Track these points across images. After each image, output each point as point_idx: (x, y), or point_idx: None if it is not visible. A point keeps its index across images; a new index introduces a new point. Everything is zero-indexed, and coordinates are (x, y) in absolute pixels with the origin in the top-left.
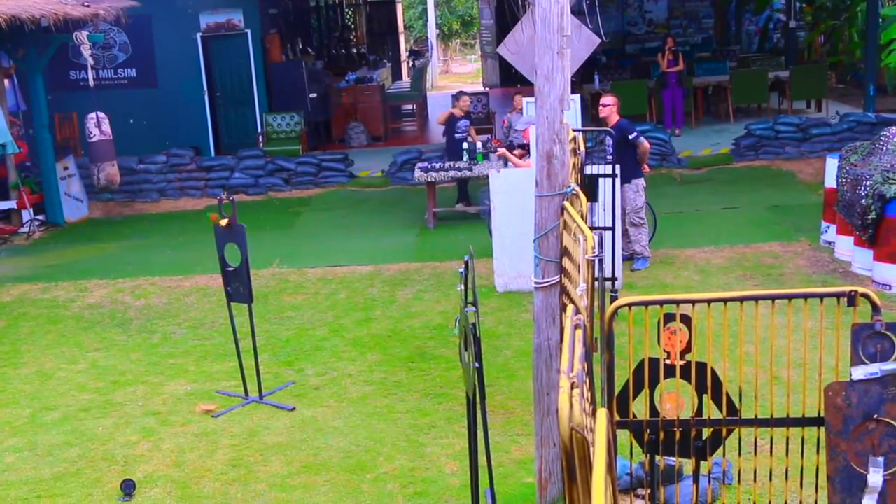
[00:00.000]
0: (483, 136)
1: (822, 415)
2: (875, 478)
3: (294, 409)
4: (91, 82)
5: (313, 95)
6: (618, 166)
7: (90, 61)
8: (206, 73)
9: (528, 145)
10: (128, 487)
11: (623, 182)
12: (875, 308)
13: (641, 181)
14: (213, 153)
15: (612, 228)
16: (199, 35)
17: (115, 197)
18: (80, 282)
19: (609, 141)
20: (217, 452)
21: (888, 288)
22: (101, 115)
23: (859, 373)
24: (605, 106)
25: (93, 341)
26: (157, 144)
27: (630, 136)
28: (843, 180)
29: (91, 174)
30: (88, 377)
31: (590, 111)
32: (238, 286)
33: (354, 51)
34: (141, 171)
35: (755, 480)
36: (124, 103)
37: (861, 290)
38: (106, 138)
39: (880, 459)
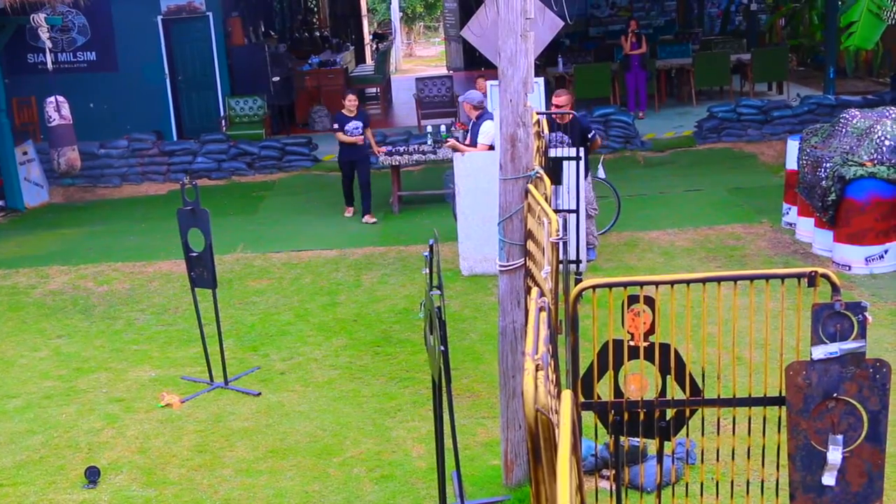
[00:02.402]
0: (447, 120)
1: (784, 394)
2: (834, 455)
3: (260, 394)
4: (50, 66)
5: (276, 79)
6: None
7: (48, 44)
8: (168, 57)
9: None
10: (92, 475)
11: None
12: (835, 288)
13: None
14: (175, 137)
15: (577, 211)
16: (159, 18)
17: (75, 182)
18: (42, 268)
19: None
20: (182, 438)
21: (848, 268)
22: (61, 99)
23: (819, 352)
24: (559, 106)
25: (55, 328)
26: (119, 129)
27: (589, 135)
28: (804, 162)
29: (51, 159)
30: (51, 364)
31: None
32: (202, 271)
33: (317, 34)
34: (102, 156)
35: (718, 459)
36: (84, 87)
37: (821, 270)
38: (66, 123)
39: (839, 437)
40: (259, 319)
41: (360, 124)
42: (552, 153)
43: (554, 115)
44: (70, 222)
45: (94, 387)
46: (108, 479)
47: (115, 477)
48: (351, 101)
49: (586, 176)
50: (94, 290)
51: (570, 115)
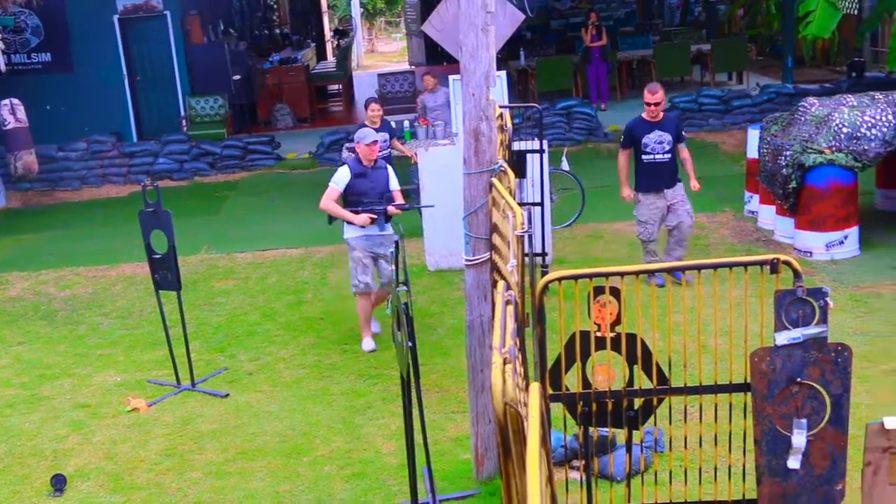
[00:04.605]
0: (410, 116)
1: (749, 380)
2: (799, 439)
3: (228, 395)
4: (3, 67)
5: (237, 77)
6: (545, 142)
7: (1, 46)
8: (125, 57)
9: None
10: (58, 482)
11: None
12: (797, 275)
13: None
14: (135, 138)
15: (542, 204)
16: (116, 17)
17: (33, 186)
18: (0, 274)
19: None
20: (150, 442)
21: (809, 255)
22: (16, 101)
23: (783, 338)
24: (656, 104)
25: (16, 335)
26: (77, 131)
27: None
28: (765, 151)
29: (7, 163)
30: (12, 372)
31: (516, 87)
32: (166, 273)
33: (278, 31)
34: (60, 159)
35: (686, 447)
36: (40, 89)
37: (783, 257)
38: (22, 126)
39: (803, 421)
40: (225, 320)
41: (386, 136)
42: (515, 146)
43: (650, 114)
44: (29, 227)
45: (58, 393)
46: (74, 486)
47: (81, 484)
48: (374, 112)
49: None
50: (55, 296)
51: (663, 114)
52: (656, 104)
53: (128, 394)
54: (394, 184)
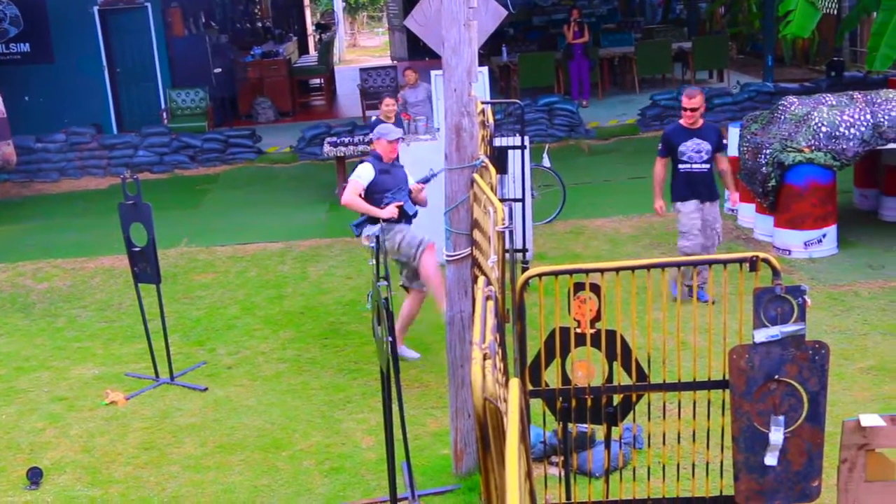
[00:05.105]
0: None
1: (727, 377)
2: (776, 436)
3: (206, 389)
4: None
5: (218, 70)
6: (527, 138)
7: None
8: (105, 48)
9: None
10: (34, 476)
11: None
12: (775, 272)
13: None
14: (115, 130)
15: (523, 200)
16: (96, 8)
17: (11, 177)
18: None
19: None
20: (128, 436)
21: (788, 253)
22: None
23: (761, 335)
24: (693, 109)
25: None
26: (56, 122)
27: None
28: (745, 149)
29: None
30: None
31: (498, 83)
32: (145, 266)
33: (259, 24)
34: (39, 151)
35: (664, 443)
36: (19, 79)
37: (762, 255)
38: (0, 116)
39: (781, 418)
40: (205, 314)
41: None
42: (497, 142)
43: (687, 120)
44: (6, 219)
45: (36, 386)
46: (51, 479)
47: (58, 477)
48: (389, 106)
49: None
50: (33, 288)
51: (703, 121)
52: (693, 109)
53: (106, 387)
54: (412, 180)
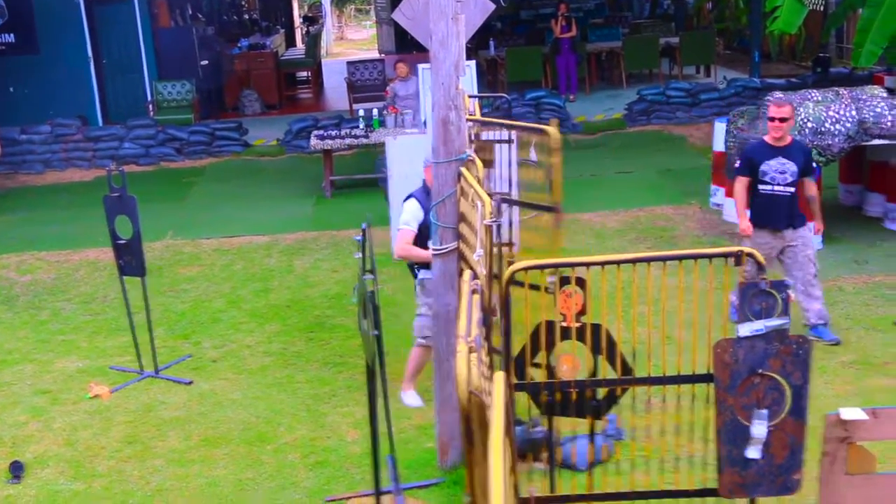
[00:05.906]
0: (379, 104)
1: (712, 371)
2: (759, 429)
3: (191, 382)
4: None
5: (205, 62)
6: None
7: None
8: (91, 40)
9: None
10: (16, 469)
11: None
12: (760, 267)
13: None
14: (100, 122)
15: (509, 194)
16: None
17: None
18: None
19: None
20: (111, 430)
21: None
22: None
23: (745, 329)
24: (783, 119)
25: None
26: (41, 114)
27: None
28: (731, 144)
29: None
30: None
31: (485, 77)
32: (130, 259)
33: (246, 16)
34: (24, 142)
35: (648, 437)
36: (3, 71)
37: (747, 250)
38: None
39: (764, 412)
40: (190, 307)
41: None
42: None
43: (773, 135)
44: None
45: (19, 379)
46: (34, 472)
47: (41, 471)
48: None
49: None
50: (16, 280)
51: (791, 138)
52: (782, 120)
53: (90, 380)
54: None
